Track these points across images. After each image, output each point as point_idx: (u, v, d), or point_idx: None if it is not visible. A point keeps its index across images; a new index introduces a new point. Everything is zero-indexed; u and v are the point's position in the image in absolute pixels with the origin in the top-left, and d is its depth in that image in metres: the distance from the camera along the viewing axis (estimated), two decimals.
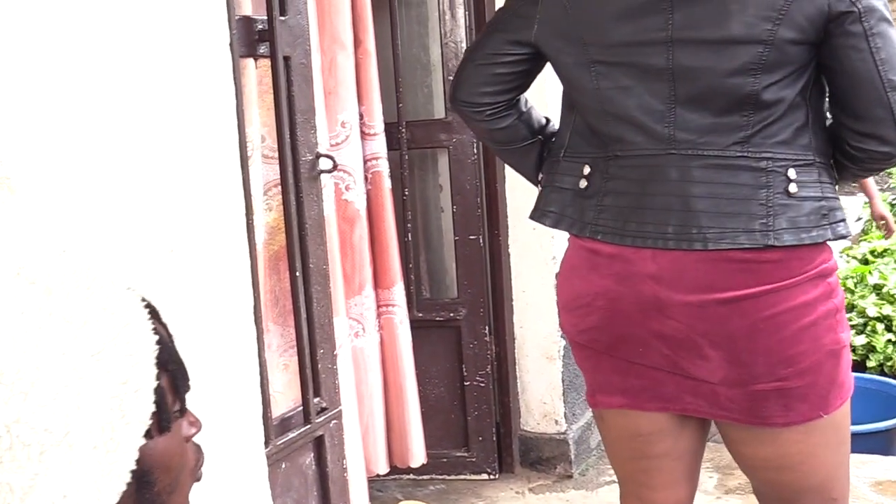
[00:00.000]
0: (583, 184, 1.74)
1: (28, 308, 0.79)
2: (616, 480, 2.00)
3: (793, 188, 1.61)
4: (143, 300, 0.91)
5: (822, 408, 1.68)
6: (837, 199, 1.67)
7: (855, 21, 1.56)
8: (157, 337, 0.87)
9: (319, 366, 2.32)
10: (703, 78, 1.61)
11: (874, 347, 4.38)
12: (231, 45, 1.94)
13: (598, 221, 1.71)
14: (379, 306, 3.07)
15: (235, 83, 1.97)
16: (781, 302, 1.61)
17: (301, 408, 2.29)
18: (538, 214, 1.85)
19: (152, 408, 0.84)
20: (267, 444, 2.08)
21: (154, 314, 0.91)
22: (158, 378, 0.87)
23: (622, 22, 1.65)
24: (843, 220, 1.65)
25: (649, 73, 1.64)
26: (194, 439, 0.97)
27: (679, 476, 1.85)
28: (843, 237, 1.67)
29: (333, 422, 2.38)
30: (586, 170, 1.74)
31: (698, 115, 1.63)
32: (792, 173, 1.61)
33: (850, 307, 4.64)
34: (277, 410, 2.27)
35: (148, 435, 0.84)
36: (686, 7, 1.60)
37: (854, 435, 3.37)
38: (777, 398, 1.66)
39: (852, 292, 4.77)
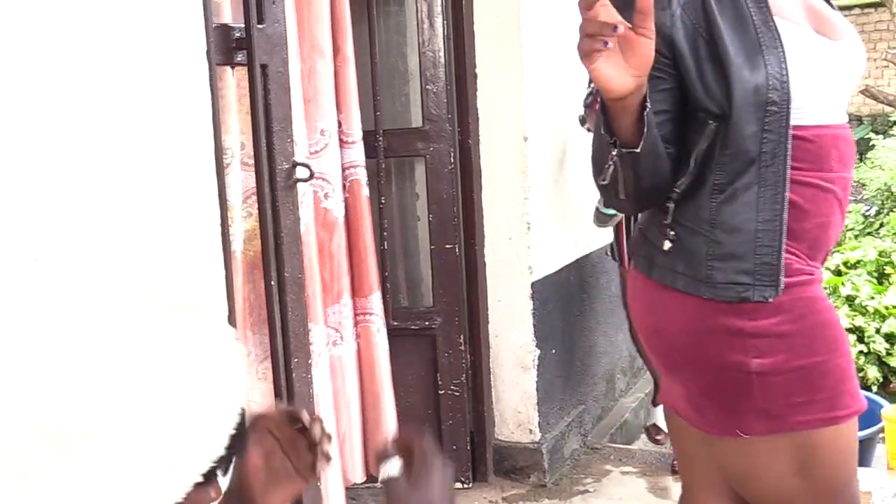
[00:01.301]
0: None
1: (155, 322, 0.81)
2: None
3: None
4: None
5: (738, 426, 1.67)
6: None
7: None
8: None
9: (294, 375, 2.32)
10: None
11: None
12: (208, 53, 1.94)
13: None
14: (356, 314, 3.07)
15: (212, 91, 1.97)
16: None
17: None
18: None
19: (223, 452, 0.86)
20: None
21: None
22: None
23: None
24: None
25: None
26: None
27: None
28: None
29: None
30: None
31: None
32: None
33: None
34: None
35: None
36: None
37: None
38: (688, 401, 1.74)
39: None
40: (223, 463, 0.85)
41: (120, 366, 0.82)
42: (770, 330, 1.66)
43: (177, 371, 0.83)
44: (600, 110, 1.56)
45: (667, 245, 1.72)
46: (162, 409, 0.81)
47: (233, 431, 0.85)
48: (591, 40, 1.41)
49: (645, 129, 1.54)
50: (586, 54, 1.43)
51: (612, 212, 3.36)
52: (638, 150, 1.56)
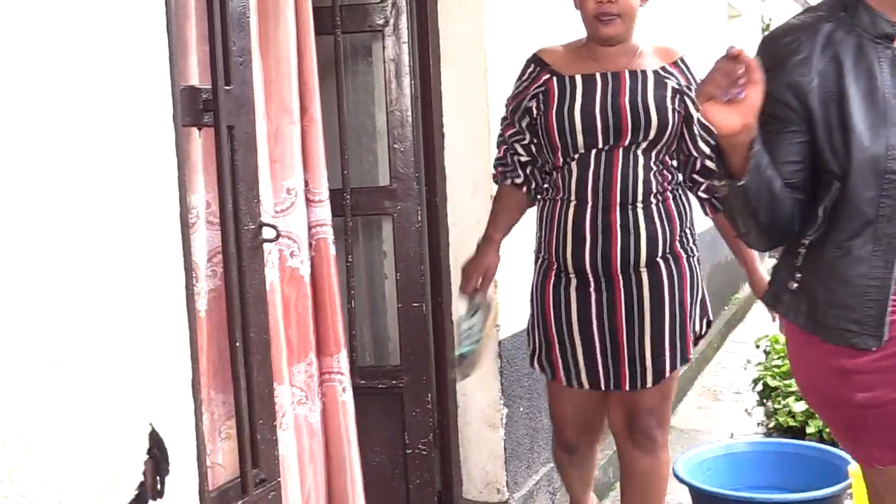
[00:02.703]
0: None
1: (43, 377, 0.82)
2: None
3: None
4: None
5: (868, 457, 2.02)
6: None
7: None
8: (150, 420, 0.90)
9: (259, 436, 2.29)
10: None
11: (813, 414, 4.43)
12: (174, 116, 1.95)
13: None
14: (322, 374, 3.05)
15: (178, 153, 1.97)
16: None
17: (239, 479, 2.26)
18: None
19: (140, 478, 0.85)
20: None
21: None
22: (148, 453, 0.88)
23: None
24: None
25: None
26: None
27: None
28: None
29: (272, 493, 2.34)
30: None
31: None
32: None
33: (790, 373, 4.70)
34: (218, 481, 2.23)
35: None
36: None
37: (797, 503, 3.42)
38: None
39: (783, 358, 4.83)
40: None
41: None
42: (870, 367, 1.87)
43: None
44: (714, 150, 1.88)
45: (793, 286, 1.95)
46: None
47: None
48: (716, 88, 1.70)
49: (751, 166, 1.78)
50: (706, 97, 1.73)
51: None
52: (742, 183, 1.80)
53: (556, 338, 2.89)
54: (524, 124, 2.89)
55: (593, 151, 2.76)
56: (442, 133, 3.34)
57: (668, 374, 2.85)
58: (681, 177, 2.88)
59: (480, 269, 2.98)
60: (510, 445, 3.43)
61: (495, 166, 3.02)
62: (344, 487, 3.08)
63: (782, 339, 5.00)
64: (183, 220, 1.98)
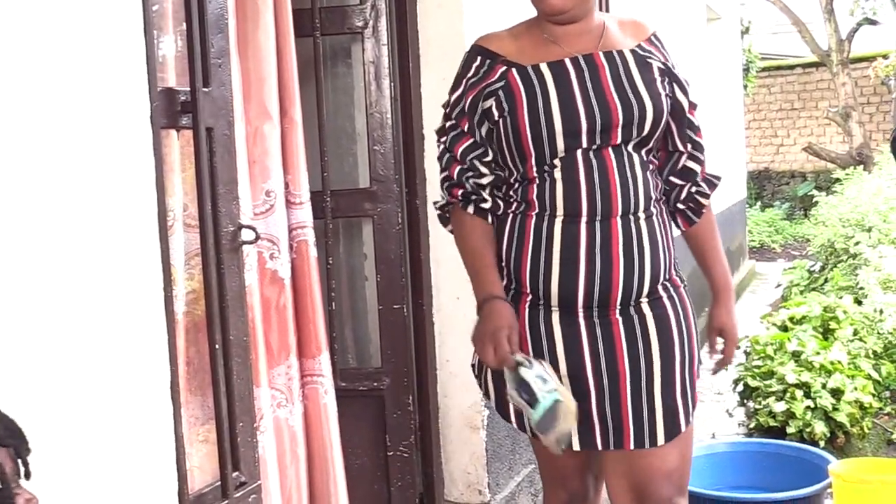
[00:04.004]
0: None
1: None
2: None
3: None
4: None
5: None
6: None
7: None
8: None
9: (239, 439, 2.29)
10: None
11: (793, 414, 4.45)
12: (151, 117, 1.94)
13: None
14: (303, 376, 3.05)
15: (156, 155, 1.96)
16: None
17: (219, 482, 2.25)
18: None
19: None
20: None
21: None
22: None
23: None
24: None
25: None
26: None
27: None
28: None
29: (252, 496, 2.34)
30: None
31: None
32: None
33: (770, 373, 4.73)
34: (196, 485, 2.22)
35: None
36: None
37: (777, 502, 3.44)
38: None
39: (772, 359, 4.85)
40: None
41: None
42: None
43: None
44: None
45: None
46: None
47: None
48: None
49: None
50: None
51: None
52: None
53: None
54: (482, 131, 2.27)
55: (578, 152, 2.18)
56: (422, 135, 3.34)
57: (683, 428, 2.24)
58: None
59: (507, 324, 2.20)
60: (492, 447, 3.43)
61: (449, 189, 2.32)
62: (326, 490, 3.07)
63: (763, 339, 5.03)
64: (161, 223, 1.98)
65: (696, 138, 2.35)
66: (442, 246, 3.32)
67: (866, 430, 4.57)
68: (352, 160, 3.38)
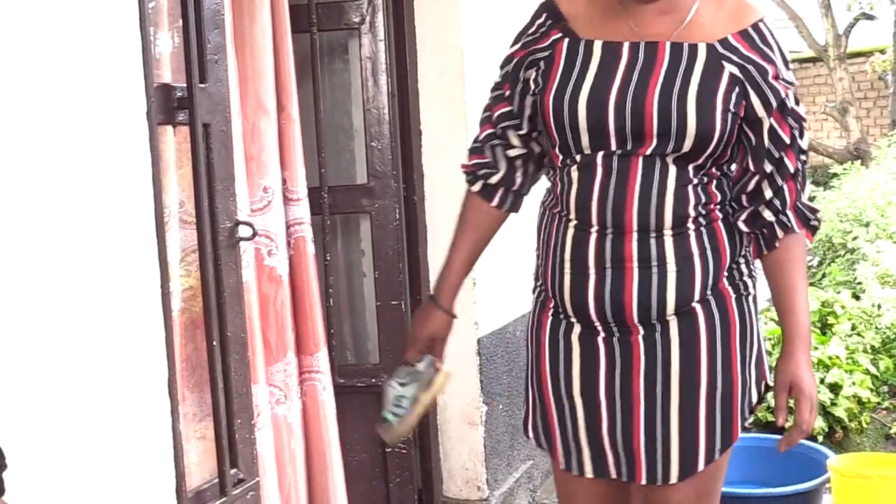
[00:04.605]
0: None
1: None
2: None
3: None
4: None
5: None
6: None
7: None
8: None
9: (237, 436, 2.28)
10: None
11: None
12: (148, 113, 1.94)
13: None
14: (301, 373, 3.04)
15: (152, 151, 1.96)
16: None
17: (217, 479, 2.25)
18: None
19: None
20: None
21: None
22: None
23: None
24: None
25: None
26: None
27: None
28: None
29: (251, 493, 2.33)
30: None
31: None
32: None
33: (769, 369, 4.72)
34: (193, 482, 2.22)
35: None
36: None
37: (772, 498, 3.44)
38: None
39: (770, 354, 4.84)
40: None
41: None
42: None
43: None
44: None
45: None
46: None
47: None
48: None
49: None
50: None
51: None
52: None
53: (552, 399, 2.05)
54: (524, 101, 2.02)
55: (600, 155, 1.90)
56: (419, 130, 3.33)
57: (701, 466, 1.96)
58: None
59: (424, 334, 2.14)
60: (490, 443, 3.43)
61: (470, 153, 2.12)
62: (325, 486, 3.07)
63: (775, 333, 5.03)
64: (157, 219, 1.98)
65: (783, 158, 1.93)
66: (440, 241, 3.32)
67: (864, 425, 4.56)
68: (349, 156, 3.37)
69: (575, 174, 1.92)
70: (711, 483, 2.03)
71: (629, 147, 1.87)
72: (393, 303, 3.24)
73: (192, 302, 2.34)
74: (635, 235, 1.88)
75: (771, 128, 1.90)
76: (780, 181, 1.93)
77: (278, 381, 2.90)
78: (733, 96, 1.86)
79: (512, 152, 2.06)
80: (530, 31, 2.00)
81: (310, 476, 3.09)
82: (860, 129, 13.53)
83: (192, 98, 2.16)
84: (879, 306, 5.44)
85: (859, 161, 10.77)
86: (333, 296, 3.18)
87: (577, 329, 1.99)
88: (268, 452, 2.72)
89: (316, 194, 3.09)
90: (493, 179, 2.07)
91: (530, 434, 2.13)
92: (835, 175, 9.72)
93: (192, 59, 2.17)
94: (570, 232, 1.94)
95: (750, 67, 1.87)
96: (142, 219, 1.92)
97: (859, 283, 6.00)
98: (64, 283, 1.71)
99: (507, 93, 2.04)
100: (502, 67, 2.05)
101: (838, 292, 5.67)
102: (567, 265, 1.95)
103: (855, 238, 6.90)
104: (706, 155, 1.89)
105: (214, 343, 2.24)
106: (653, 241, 1.89)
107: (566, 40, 1.93)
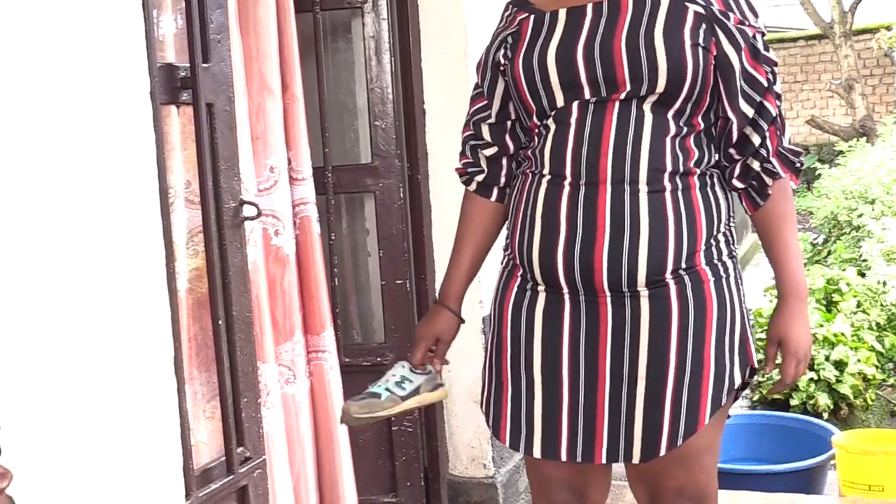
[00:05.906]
0: None
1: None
2: None
3: None
4: None
5: None
6: None
7: None
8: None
9: (243, 415, 2.30)
10: None
11: (797, 386, 4.46)
12: (152, 92, 1.94)
13: None
14: (309, 352, 3.05)
15: (156, 131, 1.96)
16: None
17: (224, 457, 2.26)
18: None
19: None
20: (188, 495, 2.05)
21: None
22: None
23: None
24: None
25: None
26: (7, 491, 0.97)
27: None
28: None
29: (258, 471, 2.35)
30: None
31: None
32: None
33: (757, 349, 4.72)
34: (202, 460, 2.24)
35: None
36: None
37: (777, 474, 3.46)
38: None
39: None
40: None
41: None
42: None
43: None
44: None
45: None
46: None
47: None
48: None
49: None
50: None
51: None
52: None
53: (509, 374, 1.97)
54: (496, 85, 2.03)
55: (575, 104, 1.88)
56: (423, 110, 3.33)
57: (663, 450, 1.88)
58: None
59: (430, 335, 2.13)
60: None
61: (459, 154, 2.15)
62: (332, 465, 3.09)
63: (766, 312, 5.03)
64: (163, 200, 1.98)
65: (763, 103, 1.90)
66: (444, 220, 3.32)
67: (869, 402, 4.57)
68: (353, 136, 3.37)
69: (552, 126, 1.90)
70: (702, 456, 1.97)
71: (603, 94, 1.85)
72: (398, 282, 3.24)
73: (199, 282, 2.35)
74: (609, 188, 1.83)
75: (745, 70, 1.87)
76: (765, 126, 1.90)
77: (287, 360, 2.91)
78: (701, 32, 1.83)
79: (488, 152, 2.07)
80: (500, 25, 2.03)
81: (317, 455, 3.10)
82: (866, 106, 13.46)
83: (196, 77, 2.17)
84: (885, 283, 5.44)
85: (865, 138, 10.72)
86: (338, 275, 3.19)
87: (542, 299, 1.93)
88: (278, 432, 2.73)
89: (320, 174, 3.09)
90: (481, 178, 2.09)
91: (483, 410, 2.06)
92: (840, 152, 9.68)
93: (194, 38, 2.17)
94: (543, 188, 1.90)
95: (713, 8, 1.85)
96: (146, 199, 1.93)
97: (865, 261, 5.99)
98: (70, 265, 1.72)
99: (482, 88, 2.06)
100: (478, 69, 2.07)
101: (844, 269, 5.67)
102: (538, 224, 1.90)
103: (860, 215, 6.89)
104: (683, 97, 1.85)
105: (220, 322, 2.25)
106: (627, 199, 1.83)
107: (532, 16, 1.94)
